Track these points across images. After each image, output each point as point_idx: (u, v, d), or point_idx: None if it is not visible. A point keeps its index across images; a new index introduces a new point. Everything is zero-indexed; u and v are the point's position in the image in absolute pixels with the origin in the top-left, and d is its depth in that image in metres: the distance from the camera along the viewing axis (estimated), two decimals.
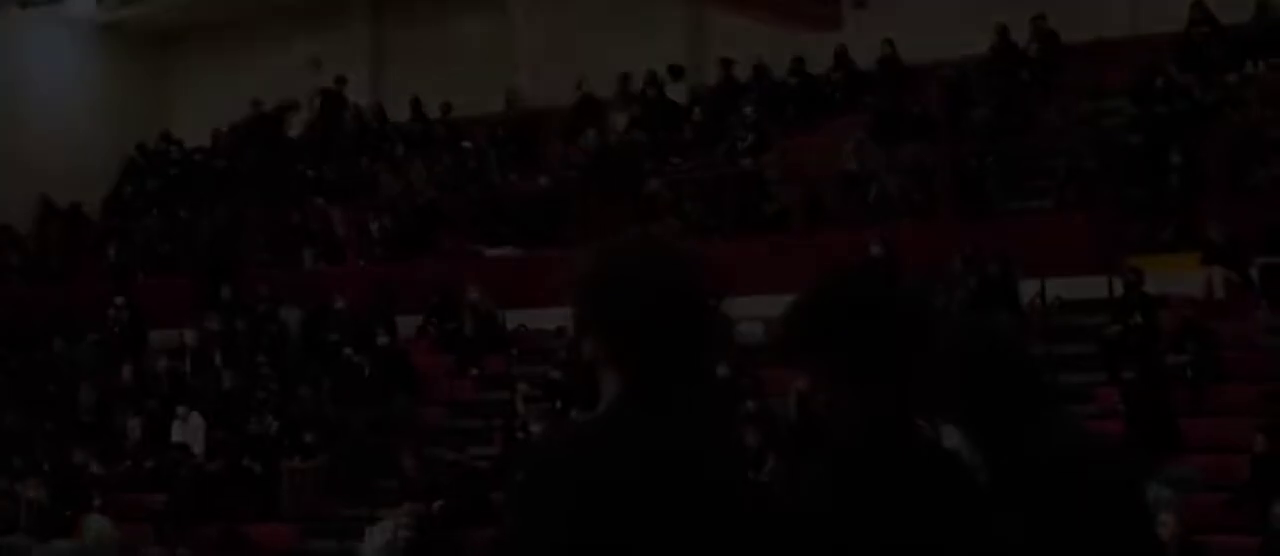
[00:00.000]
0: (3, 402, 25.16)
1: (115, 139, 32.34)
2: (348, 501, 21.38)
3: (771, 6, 21.57)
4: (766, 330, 19.17)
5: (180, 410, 23.14)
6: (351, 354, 23.16)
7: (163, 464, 22.48)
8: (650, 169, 25.25)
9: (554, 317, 23.54)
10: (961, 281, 20.73)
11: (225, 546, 21.02)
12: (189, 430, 22.95)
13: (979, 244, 20.79)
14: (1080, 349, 19.65)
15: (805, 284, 3.51)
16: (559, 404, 20.87)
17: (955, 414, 3.92)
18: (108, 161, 32.16)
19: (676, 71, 27.67)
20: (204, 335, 25.27)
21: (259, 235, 27.48)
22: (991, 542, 3.40)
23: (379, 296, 24.38)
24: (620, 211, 25.49)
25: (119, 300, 26.64)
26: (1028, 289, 20.05)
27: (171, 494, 21.72)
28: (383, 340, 22.96)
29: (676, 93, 27.60)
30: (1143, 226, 21.08)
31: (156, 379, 24.68)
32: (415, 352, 23.85)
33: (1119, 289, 19.85)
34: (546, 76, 27.39)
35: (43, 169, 31.22)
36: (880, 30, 25.37)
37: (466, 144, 28.16)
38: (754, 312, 16.75)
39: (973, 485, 3.48)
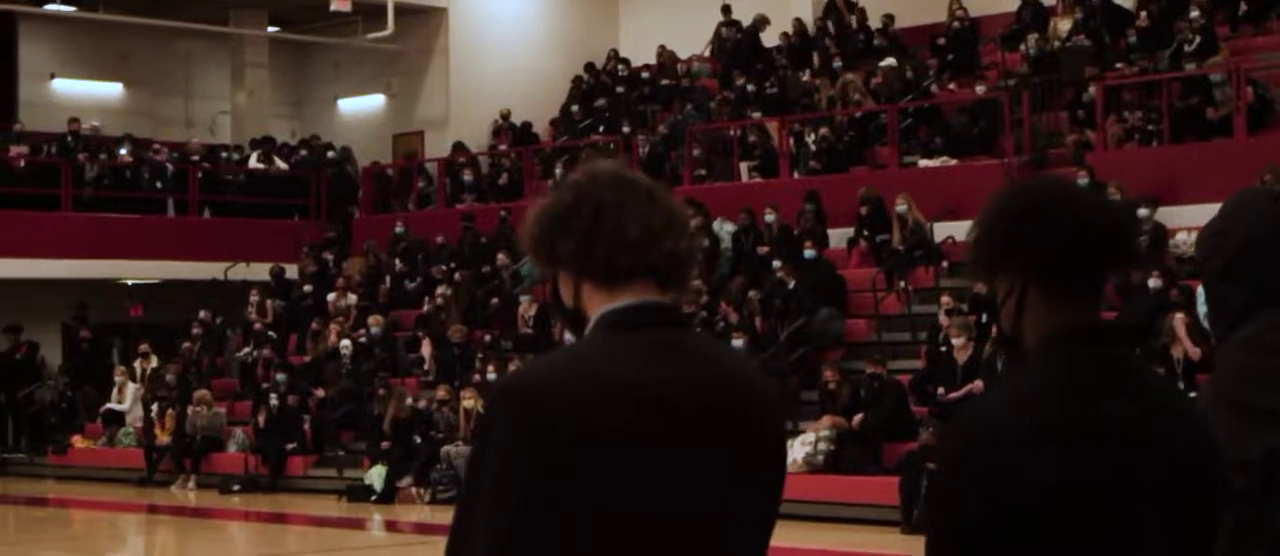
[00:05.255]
0: (447, 315, 26.00)
1: (567, 61, 33.17)
2: None
3: None
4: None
5: None
6: (780, 267, 23.02)
7: None
8: (1092, 75, 24.33)
9: None
10: None
11: None
12: None
13: None
14: None
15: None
16: (984, 317, 20.33)
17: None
18: (560, 84, 32.99)
19: None
20: None
21: (697, 148, 27.63)
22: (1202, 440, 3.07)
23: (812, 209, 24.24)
24: (1058, 120, 24.78)
25: None
26: None
27: None
28: (810, 253, 22.77)
29: None
30: None
31: None
32: (845, 265, 23.63)
33: None
34: None
35: (501, 93, 32.31)
36: None
37: (891, 62, 27.74)
38: (1194, 222, 15.96)
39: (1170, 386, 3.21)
